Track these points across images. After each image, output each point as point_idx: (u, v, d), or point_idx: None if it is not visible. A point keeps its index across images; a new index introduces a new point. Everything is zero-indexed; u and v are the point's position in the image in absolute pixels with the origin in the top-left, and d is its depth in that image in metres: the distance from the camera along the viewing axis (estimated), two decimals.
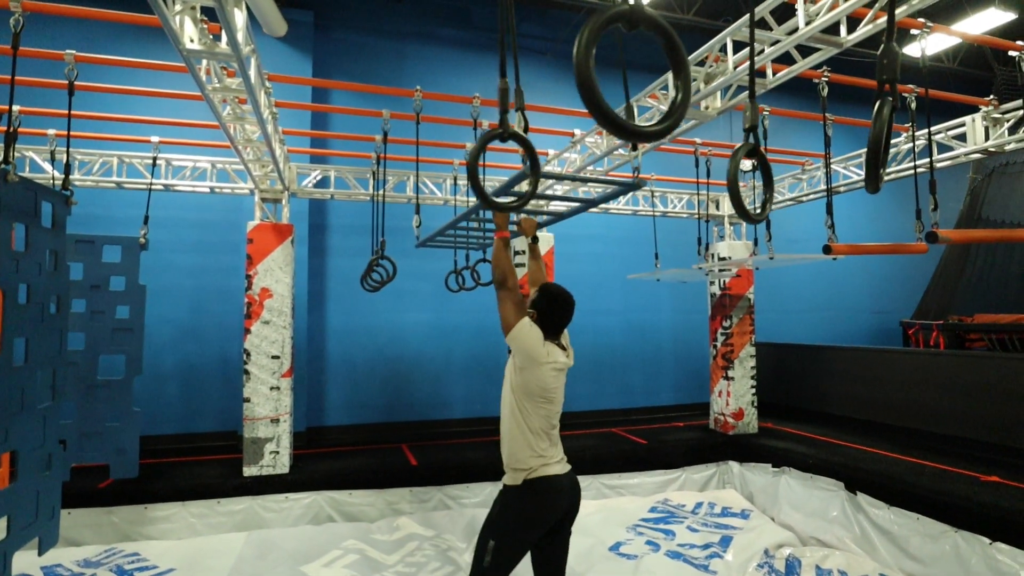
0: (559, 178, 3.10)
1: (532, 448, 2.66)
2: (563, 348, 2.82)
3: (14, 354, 2.99)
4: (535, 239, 3.25)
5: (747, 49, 3.72)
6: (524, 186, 2.13)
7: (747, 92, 4.02)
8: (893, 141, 5.82)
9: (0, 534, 2.94)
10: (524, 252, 6.38)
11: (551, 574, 2.85)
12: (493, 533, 2.69)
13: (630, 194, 7.36)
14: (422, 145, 4.96)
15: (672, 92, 1.47)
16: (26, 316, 3.15)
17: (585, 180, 2.85)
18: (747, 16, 3.50)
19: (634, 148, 2.51)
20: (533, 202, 5.20)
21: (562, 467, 2.74)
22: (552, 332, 2.75)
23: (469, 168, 1.89)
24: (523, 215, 3.35)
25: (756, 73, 3.87)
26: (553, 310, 2.75)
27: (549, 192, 6.02)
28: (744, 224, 7.61)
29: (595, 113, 1.31)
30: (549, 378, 2.66)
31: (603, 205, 7.20)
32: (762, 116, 5.19)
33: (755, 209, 2.07)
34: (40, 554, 3.42)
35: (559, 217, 3.64)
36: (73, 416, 4.60)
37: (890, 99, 1.99)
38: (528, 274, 3.30)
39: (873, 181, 2.05)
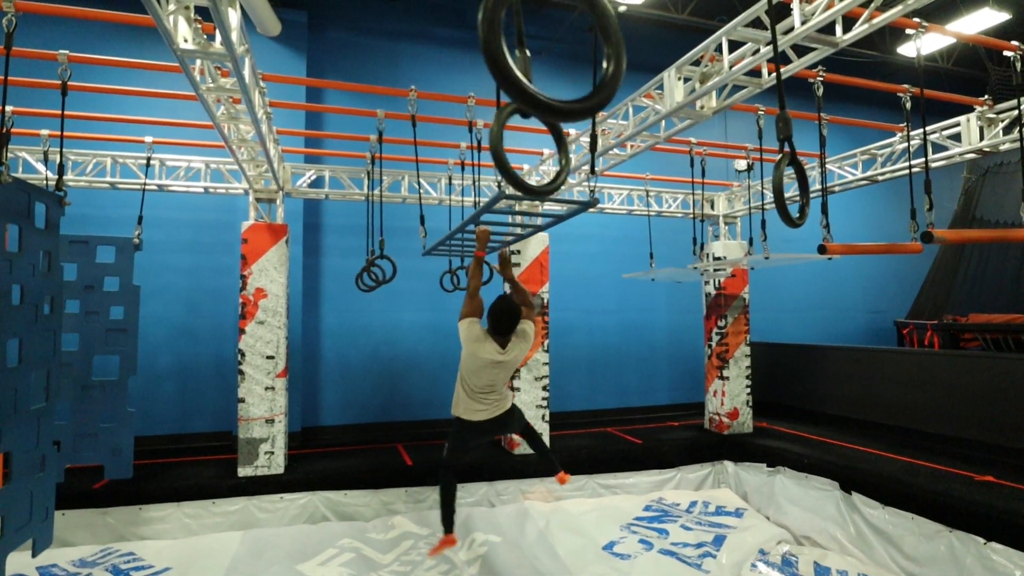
0: (516, 198, 3.29)
1: (462, 400, 3.73)
2: (502, 347, 3.57)
3: (8, 355, 2.99)
4: (505, 265, 4.04)
5: (742, 48, 3.74)
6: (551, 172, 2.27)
7: (743, 91, 4.04)
8: (887, 141, 5.84)
9: None
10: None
11: (520, 435, 4.27)
12: (448, 439, 3.94)
13: (625, 193, 7.37)
14: (417, 145, 4.95)
15: (605, 64, 1.28)
16: (20, 317, 3.14)
17: (547, 200, 3.08)
18: (742, 16, 3.51)
19: (592, 171, 2.63)
20: (510, 218, 5.30)
21: (484, 414, 3.72)
22: (498, 332, 3.56)
23: (493, 149, 1.80)
24: (499, 249, 4.08)
25: (751, 73, 3.88)
26: (494, 317, 3.55)
27: (519, 207, 6.09)
28: (739, 223, 7.63)
29: (508, 89, 1.14)
30: (477, 364, 3.57)
31: (599, 205, 7.23)
32: (756, 116, 5.20)
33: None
34: (34, 555, 3.41)
35: (529, 235, 4.17)
36: (68, 417, 4.58)
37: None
38: (513, 294, 3.99)
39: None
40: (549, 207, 6.46)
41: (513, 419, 3.92)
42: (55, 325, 3.55)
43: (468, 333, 3.56)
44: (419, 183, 5.35)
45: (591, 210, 7.45)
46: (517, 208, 4.95)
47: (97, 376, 4.73)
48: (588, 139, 5.54)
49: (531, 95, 1.14)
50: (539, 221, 3.95)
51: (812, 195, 6.60)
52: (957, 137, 5.18)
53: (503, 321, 3.53)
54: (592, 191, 4.31)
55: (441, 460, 3.96)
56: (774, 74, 3.89)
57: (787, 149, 2.21)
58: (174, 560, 4.57)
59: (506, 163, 1.79)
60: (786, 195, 7.00)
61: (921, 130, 4.62)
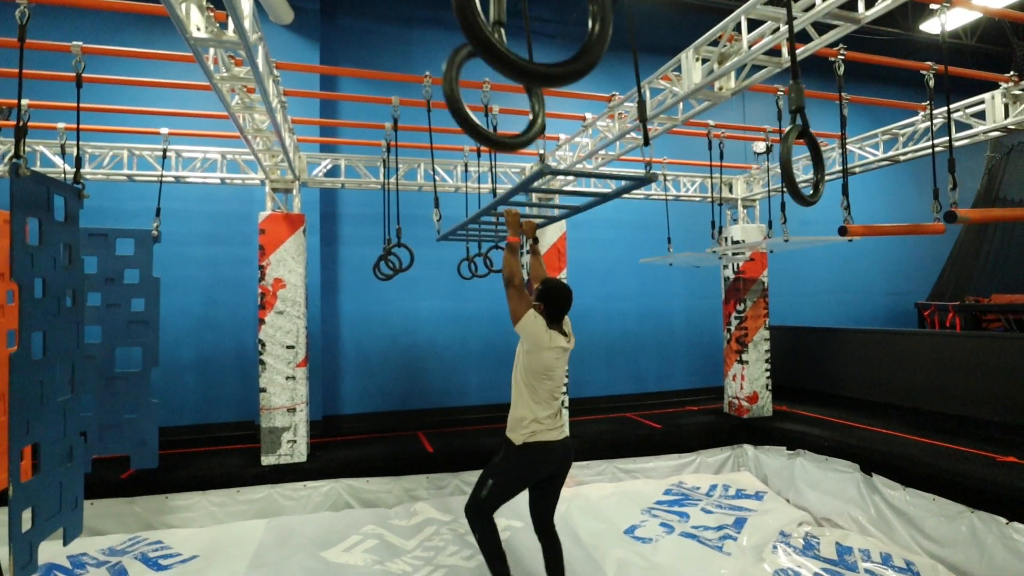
0: (567, 174, 3.14)
1: (534, 416, 3.23)
2: (564, 334, 3.28)
3: (32, 348, 3.02)
4: (535, 239, 3.69)
5: (762, 27, 3.65)
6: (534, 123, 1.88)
7: (762, 72, 3.96)
8: (909, 120, 5.70)
9: (25, 525, 2.98)
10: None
11: (540, 514, 3.50)
12: (494, 475, 3.31)
13: None
14: (432, 132, 4.91)
15: (590, 24, 1.16)
16: (43, 310, 3.17)
17: (594, 176, 2.95)
18: None
19: (646, 143, 2.49)
20: (545, 197, 5.12)
21: (558, 434, 3.28)
22: (554, 320, 3.24)
23: (447, 94, 1.61)
24: (524, 219, 3.61)
25: (770, 52, 3.79)
26: (554, 302, 3.22)
27: (555, 187, 5.96)
28: (757, 206, 7.52)
29: (483, 51, 1.04)
30: (550, 359, 3.18)
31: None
32: (776, 97, 5.10)
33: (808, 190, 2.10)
34: (65, 544, 3.48)
35: (565, 216, 3.84)
36: (93, 408, 4.65)
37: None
38: (531, 270, 3.75)
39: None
40: (576, 187, 6.37)
41: (571, 453, 3.42)
42: (78, 317, 3.59)
43: (536, 326, 3.16)
44: (434, 169, 5.30)
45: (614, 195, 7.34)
46: (553, 188, 4.87)
47: (120, 368, 4.79)
48: (604, 123, 5.48)
49: (509, 59, 1.05)
50: (578, 202, 3.77)
51: (832, 176, 6.51)
52: (981, 115, 5.04)
53: (563, 308, 3.25)
54: (648, 165, 4.06)
55: (481, 502, 3.29)
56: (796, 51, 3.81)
57: (799, 122, 2.10)
58: (201, 548, 4.64)
59: (462, 108, 1.61)
60: (801, 174, 6.88)
61: (944, 108, 4.51)
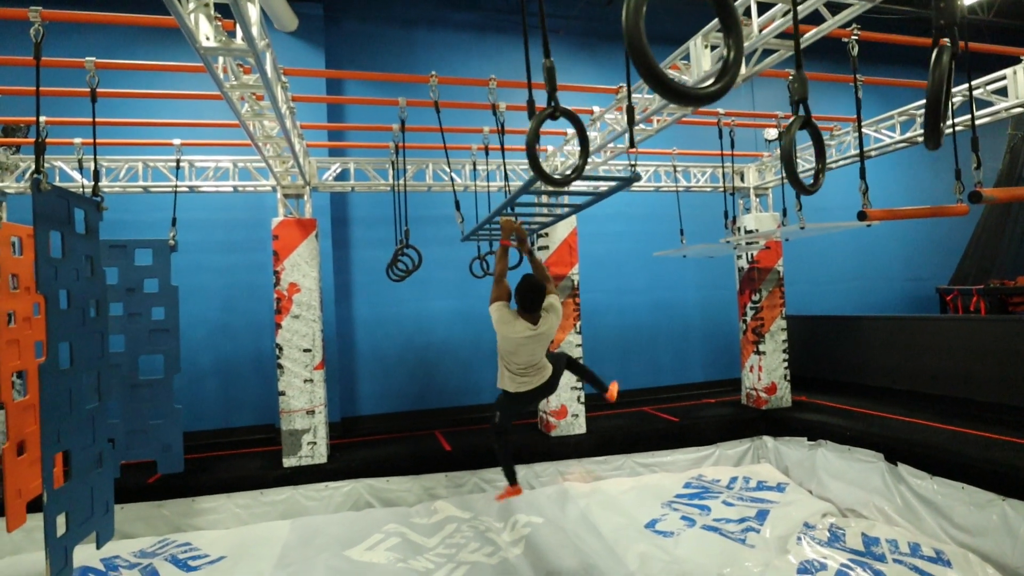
0: (551, 181, 3.22)
1: (505, 378, 3.94)
2: (533, 323, 3.69)
3: (60, 358, 3.09)
4: (520, 240, 4.04)
5: (772, 10, 3.59)
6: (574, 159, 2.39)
7: (773, 56, 3.90)
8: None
9: (60, 530, 3.06)
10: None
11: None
12: (495, 407, 4.17)
13: (652, 170, 7.23)
14: (438, 132, 4.92)
15: (724, 51, 1.49)
16: (68, 321, 3.24)
17: (583, 179, 3.06)
18: None
19: (632, 146, 2.54)
20: (542, 198, 5.20)
21: (526, 386, 3.92)
22: (526, 309, 3.68)
23: (528, 148, 2.04)
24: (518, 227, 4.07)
25: (781, 35, 3.73)
26: (520, 296, 3.68)
27: (555, 188, 5.99)
28: (770, 194, 7.43)
29: (649, 79, 1.32)
30: (513, 344, 3.72)
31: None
32: (787, 81, 5.01)
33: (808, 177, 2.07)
34: (98, 547, 3.57)
35: (558, 219, 4.13)
36: (119, 416, 4.75)
37: (949, 47, 1.89)
38: (533, 272, 4.08)
39: (933, 136, 2.05)
40: (579, 186, 6.38)
41: (556, 378, 4.09)
42: (102, 327, 3.67)
43: (498, 317, 3.72)
44: (448, 168, 5.31)
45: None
46: (553, 189, 4.92)
47: (144, 375, 4.89)
48: (612, 117, 5.44)
49: (671, 85, 1.34)
50: (578, 201, 3.92)
51: (849, 160, 6.40)
52: (1003, 91, 4.91)
53: (530, 299, 3.67)
54: (633, 166, 4.19)
55: (493, 426, 4.22)
56: (807, 35, 3.74)
57: (801, 112, 2.11)
58: (228, 549, 4.73)
59: (538, 162, 2.03)
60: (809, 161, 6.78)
61: (965, 86, 4.40)
